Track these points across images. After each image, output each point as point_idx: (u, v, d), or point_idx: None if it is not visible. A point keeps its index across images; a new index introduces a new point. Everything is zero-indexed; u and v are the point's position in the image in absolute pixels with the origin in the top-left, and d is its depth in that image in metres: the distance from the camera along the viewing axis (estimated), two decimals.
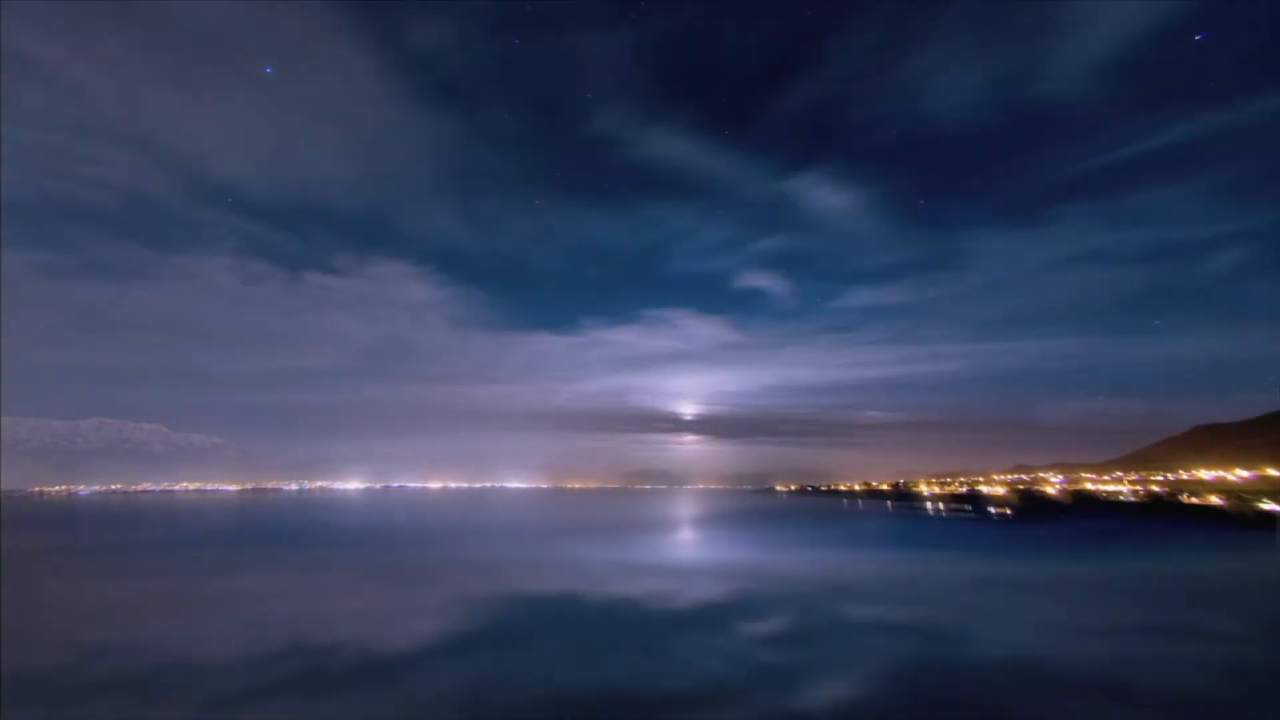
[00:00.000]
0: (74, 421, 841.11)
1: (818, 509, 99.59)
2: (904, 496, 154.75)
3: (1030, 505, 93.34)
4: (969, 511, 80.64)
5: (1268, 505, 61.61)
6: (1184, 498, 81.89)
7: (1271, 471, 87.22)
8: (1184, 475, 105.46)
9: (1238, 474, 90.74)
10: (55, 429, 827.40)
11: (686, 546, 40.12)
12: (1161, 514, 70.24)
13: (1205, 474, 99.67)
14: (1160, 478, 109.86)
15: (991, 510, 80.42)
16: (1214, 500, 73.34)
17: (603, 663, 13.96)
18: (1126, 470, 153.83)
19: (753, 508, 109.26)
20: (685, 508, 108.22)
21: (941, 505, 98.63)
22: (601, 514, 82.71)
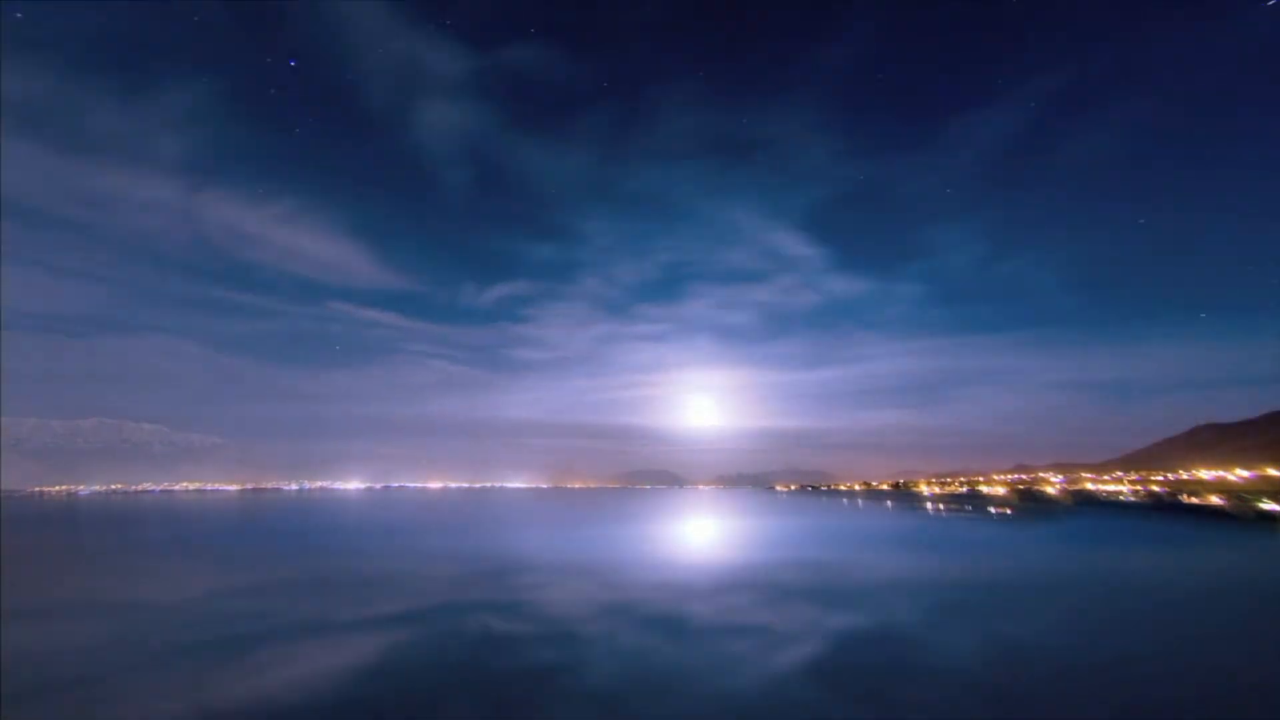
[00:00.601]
0: (74, 421, 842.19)
1: (760, 503, 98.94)
2: (904, 496, 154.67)
3: (1030, 504, 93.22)
4: (969, 511, 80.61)
5: (1268, 505, 61.44)
6: (1184, 498, 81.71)
7: (1271, 471, 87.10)
8: (1184, 475, 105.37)
9: (1238, 474, 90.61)
10: (55, 429, 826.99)
11: (554, 540, 41.60)
12: (1163, 513, 70.12)
13: (1205, 474, 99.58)
14: (1160, 478, 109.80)
15: (992, 510, 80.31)
16: (1214, 500, 73.18)
17: (295, 610, 18.06)
18: (1126, 470, 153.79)
19: (699, 504, 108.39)
20: (648, 505, 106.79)
21: (941, 505, 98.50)
22: (556, 514, 79.81)
